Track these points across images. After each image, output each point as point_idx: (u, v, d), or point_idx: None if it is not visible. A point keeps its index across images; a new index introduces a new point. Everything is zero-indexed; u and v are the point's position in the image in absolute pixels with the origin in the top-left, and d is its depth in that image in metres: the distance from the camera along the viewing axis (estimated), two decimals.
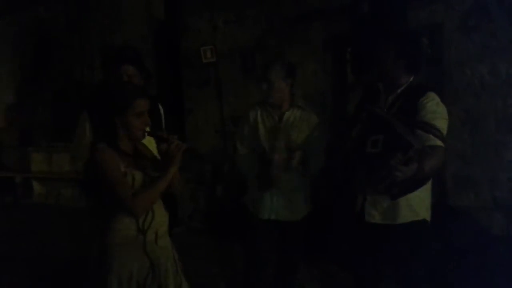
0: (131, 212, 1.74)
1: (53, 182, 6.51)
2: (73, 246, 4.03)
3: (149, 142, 1.99)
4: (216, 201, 4.80)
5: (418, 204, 2.05)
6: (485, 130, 3.31)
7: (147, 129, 1.84)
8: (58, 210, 6.01)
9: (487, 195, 3.31)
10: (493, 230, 3.24)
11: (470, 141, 3.36)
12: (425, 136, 1.92)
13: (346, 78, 4.25)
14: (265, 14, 4.36)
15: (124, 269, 1.75)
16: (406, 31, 2.48)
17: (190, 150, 1.83)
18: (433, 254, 2.63)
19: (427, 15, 3.46)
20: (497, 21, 3.22)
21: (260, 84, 2.45)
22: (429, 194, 2.11)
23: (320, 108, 3.98)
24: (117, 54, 2.38)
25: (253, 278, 2.58)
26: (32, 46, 6.67)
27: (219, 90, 4.74)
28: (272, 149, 2.39)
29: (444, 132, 1.96)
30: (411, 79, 2.10)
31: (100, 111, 1.80)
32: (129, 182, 1.74)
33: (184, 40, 4.89)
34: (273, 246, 2.55)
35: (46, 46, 6.48)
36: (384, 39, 2.14)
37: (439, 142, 1.92)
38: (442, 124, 1.96)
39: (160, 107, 2.57)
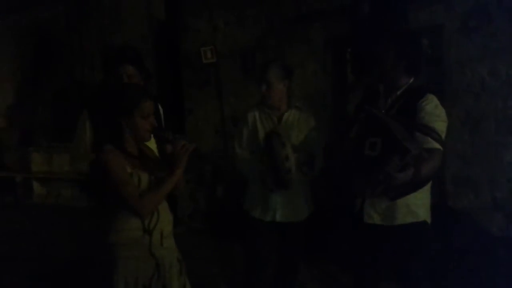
0: (138, 213, 1.75)
1: (53, 182, 6.52)
2: (73, 246, 4.04)
3: (149, 143, 1.99)
4: (216, 201, 4.80)
5: (417, 205, 2.05)
6: (485, 131, 3.31)
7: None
8: (58, 210, 6.01)
9: (487, 196, 3.31)
10: (493, 231, 3.24)
11: (470, 141, 3.36)
12: (423, 138, 1.92)
13: (346, 79, 4.26)
14: (265, 14, 4.36)
15: (129, 270, 1.76)
16: (407, 32, 2.47)
17: (195, 151, 1.83)
18: (433, 254, 2.63)
19: (428, 16, 3.46)
20: (497, 22, 3.22)
21: (259, 86, 2.45)
22: (429, 195, 2.11)
23: (320, 108, 3.99)
24: (117, 54, 2.38)
25: (253, 278, 2.58)
26: (32, 46, 6.67)
27: (219, 90, 4.74)
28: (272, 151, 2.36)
29: (443, 134, 1.96)
30: (411, 80, 2.10)
31: (106, 113, 1.81)
32: (135, 183, 1.75)
33: (184, 41, 4.89)
34: (273, 246, 2.54)
35: (46, 46, 6.48)
36: (385, 40, 2.13)
37: (437, 145, 1.92)
38: (440, 126, 1.96)
39: (160, 107, 2.57)
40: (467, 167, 3.39)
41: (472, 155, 3.36)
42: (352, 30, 3.63)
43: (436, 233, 2.24)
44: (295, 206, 2.47)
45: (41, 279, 3.58)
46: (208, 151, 4.65)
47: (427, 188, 2.06)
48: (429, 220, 2.10)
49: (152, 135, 1.85)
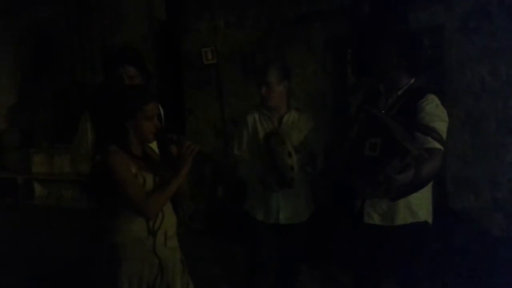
0: (144, 214, 1.76)
1: (54, 183, 6.52)
2: (74, 246, 4.04)
3: (151, 144, 2.00)
4: (216, 202, 4.80)
5: (417, 206, 2.05)
6: (486, 132, 3.31)
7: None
8: (59, 211, 6.01)
9: (487, 196, 3.31)
10: (494, 231, 3.24)
11: (471, 142, 3.36)
12: (424, 138, 1.91)
13: (346, 79, 4.26)
14: (265, 15, 4.36)
15: (134, 270, 1.77)
16: (409, 32, 2.48)
17: (199, 152, 1.83)
18: (433, 255, 2.63)
19: (428, 17, 3.46)
20: (497, 22, 3.22)
21: (259, 88, 2.44)
22: (430, 195, 2.11)
23: (320, 108, 3.99)
24: (118, 55, 2.38)
25: (254, 279, 2.58)
26: (32, 47, 6.68)
27: (219, 91, 4.75)
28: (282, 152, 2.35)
29: (444, 134, 1.96)
30: (412, 81, 2.10)
31: (111, 114, 1.82)
32: (141, 184, 1.76)
33: (185, 41, 4.89)
34: (274, 247, 2.55)
35: (46, 46, 6.49)
36: (386, 40, 2.13)
37: (437, 145, 1.92)
38: (441, 126, 1.96)
39: (160, 108, 2.57)
40: (467, 167, 3.38)
41: (472, 156, 3.36)
42: (352, 30, 3.63)
43: (437, 234, 2.25)
44: (297, 208, 2.47)
45: (42, 280, 3.58)
46: (208, 152, 4.65)
47: (428, 189, 2.06)
48: (430, 221, 2.10)
49: (158, 136, 1.86)
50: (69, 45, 6.23)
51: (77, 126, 2.44)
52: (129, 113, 1.77)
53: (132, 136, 1.80)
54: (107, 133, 1.86)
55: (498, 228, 3.24)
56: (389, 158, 1.78)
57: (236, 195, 2.75)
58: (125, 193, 1.73)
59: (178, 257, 1.93)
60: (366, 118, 2.05)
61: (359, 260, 2.27)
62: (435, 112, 1.97)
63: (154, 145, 2.08)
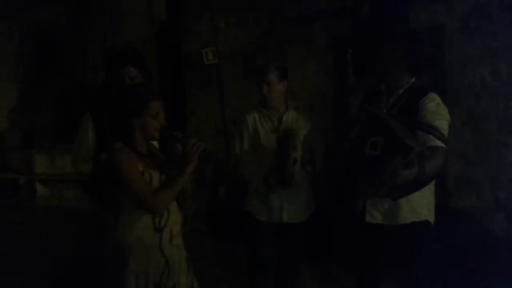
0: (152, 210, 1.78)
1: (56, 183, 6.54)
2: (76, 247, 4.05)
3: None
4: (218, 202, 4.81)
5: (419, 205, 2.05)
6: (487, 131, 3.31)
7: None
8: (61, 211, 6.03)
9: (489, 196, 3.31)
10: (495, 231, 3.23)
11: (472, 142, 3.36)
12: (425, 137, 1.91)
13: (347, 79, 4.26)
14: (266, 15, 4.37)
15: (140, 268, 1.78)
16: (411, 31, 2.48)
17: (204, 150, 1.84)
18: (435, 254, 2.63)
19: (428, 16, 3.46)
20: (498, 22, 3.22)
21: (260, 87, 2.45)
22: (432, 195, 2.11)
23: (321, 108, 4.00)
24: (119, 56, 2.39)
25: (255, 278, 2.58)
26: (33, 47, 6.69)
27: (220, 91, 4.75)
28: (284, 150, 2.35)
29: (445, 132, 1.95)
30: (413, 80, 2.11)
31: (116, 112, 1.84)
32: (148, 182, 1.77)
33: (186, 42, 4.90)
34: (275, 246, 2.55)
35: (47, 47, 6.50)
36: (389, 38, 2.14)
37: (439, 143, 1.92)
38: (443, 124, 1.95)
39: None
40: (468, 167, 3.38)
41: (473, 155, 3.36)
42: (353, 30, 3.63)
43: (438, 233, 2.24)
44: (299, 206, 2.48)
45: (43, 280, 3.59)
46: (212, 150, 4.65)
47: (429, 188, 2.06)
48: (432, 220, 2.10)
49: (163, 134, 1.87)
50: (70, 46, 6.25)
51: (78, 126, 2.45)
52: (135, 110, 1.78)
53: (137, 134, 1.82)
54: (112, 132, 1.87)
55: (500, 228, 3.24)
56: (392, 156, 1.78)
57: (237, 195, 2.75)
58: (133, 190, 1.74)
59: (183, 255, 1.94)
60: (367, 118, 2.05)
61: (360, 260, 2.27)
62: (436, 111, 1.97)
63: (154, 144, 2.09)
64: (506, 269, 2.84)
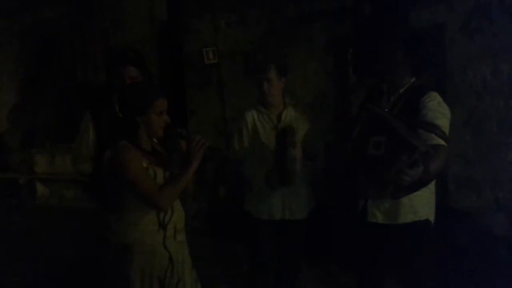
0: (158, 207, 1.78)
1: (56, 183, 6.54)
2: (77, 246, 4.06)
3: None
4: (218, 202, 4.81)
5: (420, 204, 2.05)
6: (487, 131, 3.31)
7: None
8: (61, 211, 6.03)
9: (489, 196, 3.31)
10: (495, 231, 3.23)
11: (472, 142, 3.36)
12: (427, 135, 1.92)
13: (348, 79, 4.26)
14: (266, 15, 4.37)
15: (145, 264, 1.79)
16: (414, 31, 2.48)
17: (209, 147, 1.85)
18: (435, 254, 2.63)
19: (429, 16, 3.46)
20: (499, 22, 3.22)
21: (260, 85, 2.45)
22: (433, 194, 2.11)
23: (322, 108, 4.00)
24: (119, 56, 2.39)
25: (255, 278, 2.58)
26: (34, 47, 6.70)
27: (221, 91, 4.76)
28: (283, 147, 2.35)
29: (447, 131, 1.96)
30: (413, 79, 2.11)
31: (122, 110, 1.85)
32: (153, 178, 1.78)
33: (186, 42, 4.90)
34: (275, 247, 2.55)
35: (48, 47, 6.51)
36: (390, 39, 2.14)
37: (441, 141, 1.92)
38: (444, 123, 1.96)
39: None
40: (469, 167, 3.38)
41: (474, 155, 3.36)
42: (354, 30, 3.63)
43: (438, 233, 2.25)
44: (300, 202, 2.49)
45: (44, 280, 3.59)
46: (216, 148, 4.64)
47: (430, 187, 2.07)
48: (432, 219, 2.10)
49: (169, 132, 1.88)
50: (70, 46, 6.25)
51: (79, 126, 2.45)
52: (140, 108, 1.79)
53: (142, 131, 1.82)
54: (115, 130, 1.88)
55: (500, 227, 3.24)
56: (396, 156, 1.78)
57: (237, 195, 2.75)
58: (138, 187, 1.75)
59: (186, 252, 1.95)
60: (368, 117, 2.06)
61: (361, 260, 2.27)
62: (437, 109, 1.97)
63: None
64: (506, 268, 2.84)
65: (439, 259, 2.77)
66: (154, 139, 1.93)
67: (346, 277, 3.29)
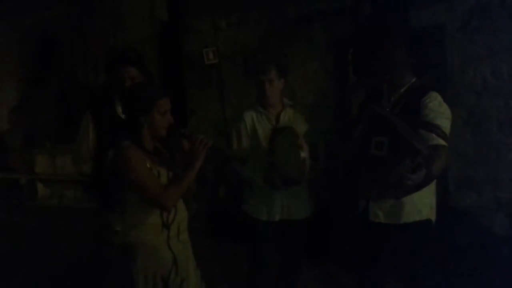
0: (162, 206, 1.78)
1: (57, 183, 6.55)
2: (77, 247, 4.06)
3: None
4: (219, 202, 4.81)
5: (422, 204, 2.06)
6: (487, 131, 3.31)
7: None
8: (61, 211, 6.04)
9: (489, 196, 3.31)
10: (496, 231, 3.23)
11: (472, 141, 3.36)
12: (428, 135, 1.92)
13: (348, 79, 4.26)
14: (267, 15, 4.37)
15: (149, 264, 1.79)
16: (416, 31, 2.48)
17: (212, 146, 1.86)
18: (435, 254, 2.63)
19: (429, 16, 3.46)
20: (499, 21, 3.21)
21: (262, 85, 2.44)
22: (434, 193, 2.12)
23: (322, 108, 4.00)
24: (119, 56, 2.39)
25: (256, 279, 2.58)
26: (35, 48, 6.70)
27: (221, 91, 4.76)
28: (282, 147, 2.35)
29: (447, 131, 1.96)
30: (414, 79, 2.11)
31: (125, 110, 1.86)
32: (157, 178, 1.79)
33: (187, 42, 4.90)
34: (275, 247, 2.55)
35: (49, 47, 6.51)
36: (392, 39, 2.14)
37: (442, 142, 1.93)
38: (444, 123, 1.97)
39: None
40: (469, 167, 3.38)
41: (474, 155, 3.36)
42: (354, 30, 3.63)
43: (439, 233, 2.25)
44: (301, 203, 2.49)
45: (44, 280, 3.59)
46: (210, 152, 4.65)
47: (431, 186, 2.07)
48: (433, 218, 2.11)
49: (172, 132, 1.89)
50: (71, 46, 6.25)
51: (79, 126, 2.45)
52: (143, 108, 1.79)
53: (145, 131, 1.82)
54: (118, 130, 1.88)
55: (500, 227, 3.24)
56: (399, 158, 1.78)
57: (238, 195, 2.75)
58: (143, 187, 1.74)
59: (190, 251, 1.96)
60: (370, 117, 2.06)
61: (362, 259, 2.27)
62: (438, 109, 1.98)
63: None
64: (506, 268, 2.83)
65: (439, 258, 2.77)
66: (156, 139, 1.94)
67: (346, 277, 3.28)
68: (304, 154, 2.21)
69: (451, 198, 3.42)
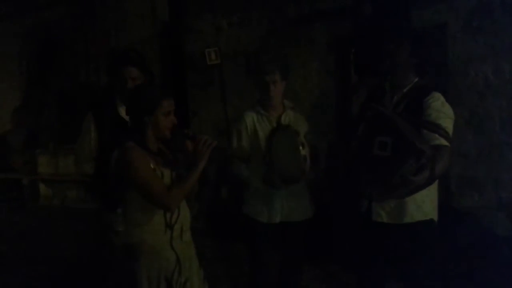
0: (166, 207, 1.79)
1: (59, 184, 6.56)
2: (79, 247, 4.07)
3: None
4: (220, 202, 4.81)
5: (425, 204, 2.05)
6: (489, 131, 3.30)
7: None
8: (64, 212, 6.05)
9: (491, 196, 3.30)
10: (497, 231, 3.22)
11: (474, 141, 3.35)
12: (430, 135, 1.92)
13: (350, 79, 4.26)
14: (268, 15, 4.37)
15: (152, 264, 1.79)
16: (419, 31, 2.47)
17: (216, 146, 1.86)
18: (437, 254, 2.62)
19: (431, 15, 3.45)
20: (500, 21, 3.21)
21: (267, 86, 2.43)
22: (436, 193, 2.11)
23: (324, 108, 3.99)
24: (121, 57, 2.40)
25: (257, 279, 2.58)
26: (37, 48, 6.72)
27: (223, 91, 4.76)
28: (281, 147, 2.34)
29: (450, 131, 1.96)
30: (416, 79, 2.11)
31: (129, 111, 1.86)
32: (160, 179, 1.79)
33: (188, 42, 4.91)
34: (276, 248, 2.55)
35: (50, 48, 6.53)
36: (395, 38, 2.14)
37: (444, 142, 1.92)
38: (447, 123, 1.96)
39: None
40: (471, 166, 3.38)
41: (476, 155, 3.35)
42: (355, 30, 3.63)
43: (441, 233, 2.24)
44: (301, 204, 2.48)
45: (45, 280, 3.60)
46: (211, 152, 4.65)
47: (434, 186, 2.06)
48: (436, 218, 2.10)
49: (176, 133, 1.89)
50: (72, 46, 6.26)
51: (81, 127, 2.45)
52: (147, 108, 1.79)
53: (149, 132, 1.83)
54: (121, 130, 1.88)
55: (502, 227, 3.23)
56: (403, 159, 1.77)
57: (240, 196, 2.75)
58: (146, 188, 1.75)
59: (193, 251, 1.96)
60: (373, 116, 2.05)
61: (363, 259, 2.27)
62: (441, 109, 1.97)
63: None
64: (507, 268, 2.83)
65: (440, 258, 2.76)
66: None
67: (346, 277, 3.28)
68: (304, 151, 2.20)
69: (453, 198, 3.42)
